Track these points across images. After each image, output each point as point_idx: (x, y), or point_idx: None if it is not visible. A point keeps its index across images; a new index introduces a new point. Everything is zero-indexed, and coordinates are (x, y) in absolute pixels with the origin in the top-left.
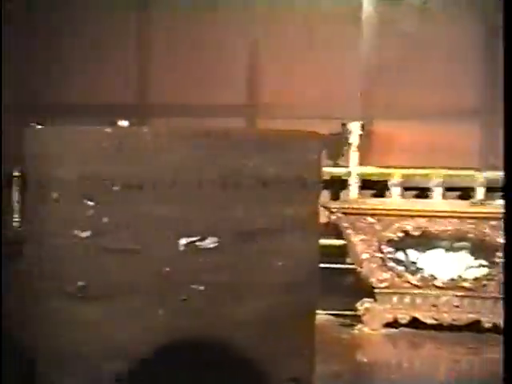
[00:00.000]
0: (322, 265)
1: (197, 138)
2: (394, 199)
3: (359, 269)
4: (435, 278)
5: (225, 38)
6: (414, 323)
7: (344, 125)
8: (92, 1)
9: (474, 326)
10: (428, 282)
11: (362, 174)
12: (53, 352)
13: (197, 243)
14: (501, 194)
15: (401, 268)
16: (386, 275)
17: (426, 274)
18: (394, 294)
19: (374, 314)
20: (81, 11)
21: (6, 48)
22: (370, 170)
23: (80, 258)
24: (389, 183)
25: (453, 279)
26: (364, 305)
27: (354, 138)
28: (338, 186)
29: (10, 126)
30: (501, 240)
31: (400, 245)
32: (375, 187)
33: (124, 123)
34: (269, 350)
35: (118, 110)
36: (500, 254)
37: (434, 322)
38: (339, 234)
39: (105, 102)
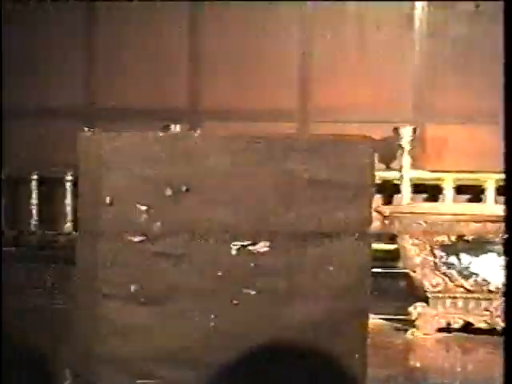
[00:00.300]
0: (374, 269)
1: (249, 142)
2: (447, 203)
3: (412, 273)
4: (488, 283)
5: (277, 42)
6: (467, 328)
7: (396, 129)
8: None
9: None
10: (481, 287)
11: (415, 178)
12: (105, 354)
13: (249, 247)
14: None
15: (454, 272)
16: (439, 279)
17: (479, 278)
18: (447, 298)
19: (426, 319)
20: (136, 16)
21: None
22: (422, 174)
23: (133, 262)
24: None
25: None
26: (417, 309)
27: (406, 142)
28: (390, 190)
29: (63, 131)
30: None
31: (453, 249)
32: (428, 191)
33: (176, 128)
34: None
35: (170, 115)
36: None
37: (487, 326)
38: (392, 239)
39: (157, 107)
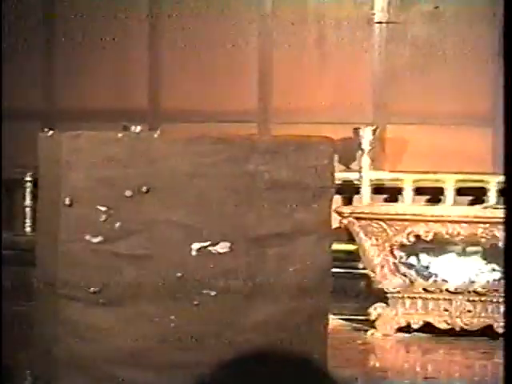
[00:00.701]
0: (334, 269)
1: (209, 143)
2: (406, 204)
3: (371, 273)
4: (447, 283)
5: (236, 42)
6: (427, 328)
7: (356, 130)
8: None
9: (487, 331)
10: (440, 287)
11: (374, 179)
12: (65, 356)
13: (209, 248)
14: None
15: (413, 273)
16: (399, 280)
17: (439, 278)
18: (407, 298)
19: (386, 319)
20: (95, 17)
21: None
22: (382, 175)
23: (92, 263)
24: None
25: (465, 284)
26: (376, 310)
27: (366, 143)
28: (350, 191)
29: (22, 132)
30: None
31: (412, 250)
32: (387, 192)
33: (136, 128)
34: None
35: (130, 115)
36: None
37: (447, 326)
38: (351, 239)
39: (117, 107)
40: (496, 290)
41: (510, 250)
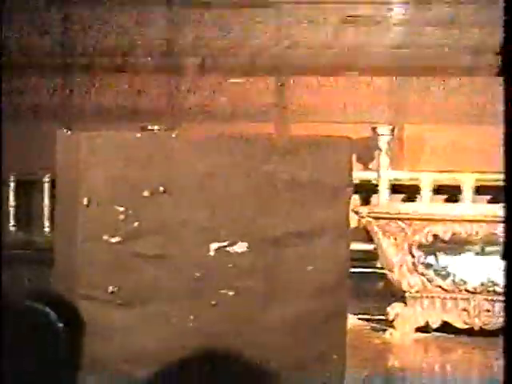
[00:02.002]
0: (352, 269)
1: (227, 143)
2: (424, 203)
3: (389, 273)
4: (466, 282)
5: (253, 41)
6: (445, 328)
7: (374, 129)
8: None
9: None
10: (458, 287)
11: (392, 178)
12: (83, 356)
13: (227, 248)
14: None
15: (431, 272)
16: (417, 279)
17: (457, 278)
18: (425, 298)
19: (404, 319)
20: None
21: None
22: (400, 174)
23: (110, 263)
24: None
25: (483, 283)
26: (395, 309)
27: (384, 143)
28: (368, 190)
29: (39, 131)
30: None
31: (430, 249)
32: (405, 191)
33: (154, 128)
34: (299, 355)
35: (148, 116)
36: None
37: (465, 326)
38: (369, 239)
39: (135, 107)
40: None
41: (511, 250)
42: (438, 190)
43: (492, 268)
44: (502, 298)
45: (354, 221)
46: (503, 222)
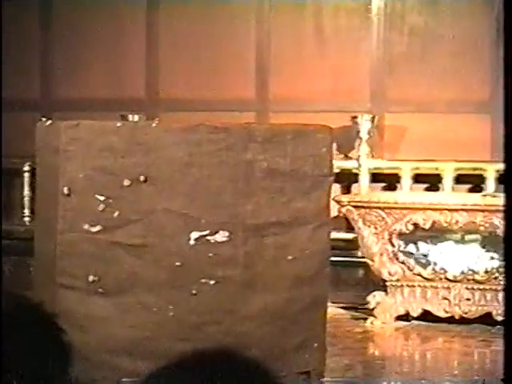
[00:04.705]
0: (332, 258)
1: (207, 132)
2: (404, 192)
3: (370, 262)
4: (446, 271)
5: (235, 32)
6: (426, 316)
7: (354, 118)
8: None
9: (486, 319)
10: (439, 275)
11: (373, 167)
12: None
13: (207, 237)
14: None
15: (412, 261)
16: (397, 268)
17: (437, 267)
18: (406, 286)
19: (385, 307)
20: (92, 7)
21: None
22: (380, 163)
23: (90, 252)
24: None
25: (463, 272)
26: (375, 298)
27: (364, 132)
28: (348, 179)
29: (20, 121)
30: None
31: (411, 238)
32: (386, 180)
33: (134, 118)
34: (279, 343)
35: (128, 105)
36: None
37: (446, 315)
38: (350, 228)
39: (116, 96)
40: (495, 278)
41: (510, 239)
42: (417, 179)
43: (472, 257)
44: (482, 286)
45: (334, 210)
46: (503, 210)
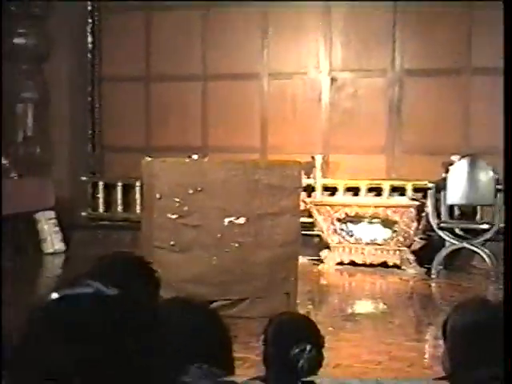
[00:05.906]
0: (302, 232)
1: (233, 164)
2: (340, 196)
3: (322, 234)
4: (362, 239)
5: (245, 103)
6: (352, 263)
7: (313, 157)
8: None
9: (383, 264)
10: (358, 241)
11: (323, 183)
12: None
13: (234, 221)
14: (399, 193)
15: (344, 234)
16: (336, 237)
17: (358, 236)
18: (341, 247)
19: (329, 258)
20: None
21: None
22: (327, 181)
23: (171, 228)
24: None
25: (371, 239)
26: (324, 253)
27: (318, 164)
28: (310, 190)
29: (135, 159)
30: (396, 218)
31: (343, 221)
32: (330, 190)
33: (195, 156)
34: (274, 277)
35: (191, 149)
36: (396, 225)
37: (362, 262)
38: (311, 216)
39: (184, 144)
40: (388, 243)
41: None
42: (349, 189)
43: (376, 231)
44: (381, 247)
45: (302, 206)
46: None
